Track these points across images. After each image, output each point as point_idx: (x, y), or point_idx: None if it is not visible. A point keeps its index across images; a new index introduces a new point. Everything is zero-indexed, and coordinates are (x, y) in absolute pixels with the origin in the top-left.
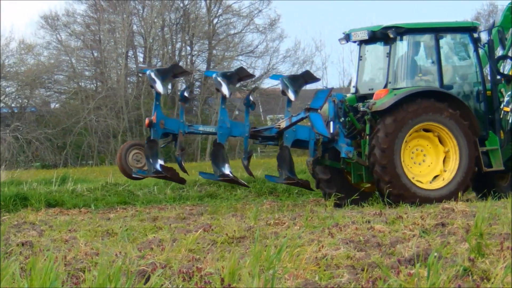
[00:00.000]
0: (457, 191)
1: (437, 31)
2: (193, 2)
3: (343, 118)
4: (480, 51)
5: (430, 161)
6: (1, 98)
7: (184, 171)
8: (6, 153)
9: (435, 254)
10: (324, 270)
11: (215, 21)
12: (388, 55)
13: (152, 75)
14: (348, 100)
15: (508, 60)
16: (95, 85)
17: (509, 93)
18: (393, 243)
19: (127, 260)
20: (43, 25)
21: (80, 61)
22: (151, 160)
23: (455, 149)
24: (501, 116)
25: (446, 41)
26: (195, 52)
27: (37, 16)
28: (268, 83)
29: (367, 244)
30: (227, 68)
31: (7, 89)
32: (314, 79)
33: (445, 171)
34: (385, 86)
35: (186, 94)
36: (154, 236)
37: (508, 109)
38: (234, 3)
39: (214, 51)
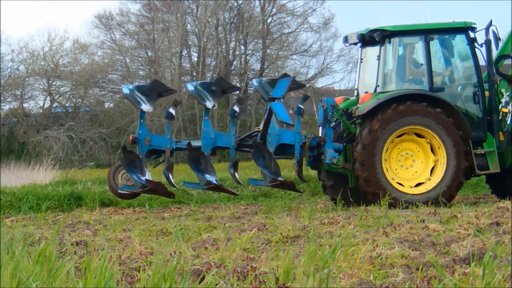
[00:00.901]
0: (441, 196)
1: (427, 32)
2: (247, 2)
3: (333, 123)
4: (478, 51)
5: (418, 167)
6: (55, 98)
7: (173, 185)
8: (60, 152)
9: (490, 253)
10: (379, 270)
11: (269, 20)
12: (378, 58)
13: (135, 95)
14: (352, 103)
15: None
16: None
17: (509, 93)
18: (448, 242)
19: (182, 259)
20: (97, 25)
21: (134, 61)
22: (134, 173)
23: (443, 154)
24: (500, 118)
25: (438, 43)
26: (249, 51)
27: (91, 15)
28: (322, 83)
29: (422, 243)
30: (281, 67)
31: (61, 89)
32: (299, 86)
33: (429, 179)
34: (375, 90)
35: (172, 110)
36: (208, 235)
37: (506, 110)
38: (288, 2)
39: (268, 50)
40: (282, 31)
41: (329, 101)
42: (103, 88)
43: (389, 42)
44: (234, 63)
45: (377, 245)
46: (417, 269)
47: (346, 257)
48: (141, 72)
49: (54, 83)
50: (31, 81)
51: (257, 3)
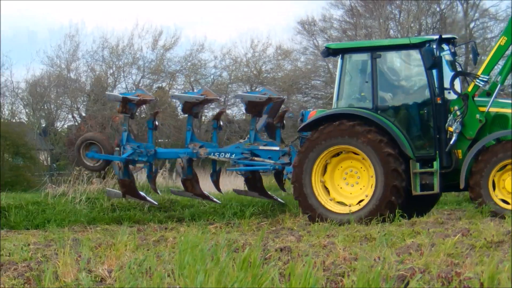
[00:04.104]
0: (368, 217)
1: (372, 50)
2: (450, 6)
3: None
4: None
5: (363, 184)
6: None
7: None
8: None
9: None
10: None
11: (471, 25)
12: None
13: None
14: None
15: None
16: None
17: (455, 112)
18: None
19: (386, 265)
20: (300, 31)
21: (337, 66)
22: None
23: (372, 173)
24: (448, 136)
25: (386, 60)
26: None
27: (294, 21)
28: None
29: None
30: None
31: None
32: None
33: (366, 196)
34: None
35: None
36: (412, 241)
37: (451, 129)
38: (491, 6)
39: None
40: (485, 36)
41: (307, 114)
42: (306, 94)
43: (342, 59)
44: None
45: None
46: None
47: None
48: None
49: (257, 89)
50: (234, 87)
51: (459, 8)
